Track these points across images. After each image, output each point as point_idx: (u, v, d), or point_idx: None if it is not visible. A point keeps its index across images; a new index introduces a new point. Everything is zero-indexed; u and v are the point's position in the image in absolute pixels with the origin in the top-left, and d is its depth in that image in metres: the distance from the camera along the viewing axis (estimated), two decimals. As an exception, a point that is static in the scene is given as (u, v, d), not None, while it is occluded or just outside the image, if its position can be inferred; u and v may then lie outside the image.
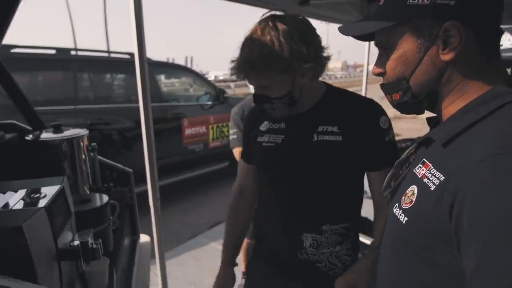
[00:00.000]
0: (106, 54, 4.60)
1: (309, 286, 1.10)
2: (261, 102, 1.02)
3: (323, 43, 1.00)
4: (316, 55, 0.96)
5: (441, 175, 0.56)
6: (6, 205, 0.75)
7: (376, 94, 1.93)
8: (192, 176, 4.50)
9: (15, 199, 0.78)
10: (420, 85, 0.64)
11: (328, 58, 1.00)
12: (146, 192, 1.92)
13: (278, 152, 1.06)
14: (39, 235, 0.70)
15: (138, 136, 3.79)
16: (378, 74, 0.70)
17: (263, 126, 1.11)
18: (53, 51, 3.64)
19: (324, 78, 1.15)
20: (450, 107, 0.63)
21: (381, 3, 0.65)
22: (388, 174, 0.76)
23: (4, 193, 0.82)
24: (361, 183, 1.08)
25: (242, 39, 0.96)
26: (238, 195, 1.28)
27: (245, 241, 2.13)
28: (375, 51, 0.73)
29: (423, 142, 0.67)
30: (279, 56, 0.90)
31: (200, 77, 5.11)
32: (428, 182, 0.58)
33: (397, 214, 0.64)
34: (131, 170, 1.60)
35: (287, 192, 1.08)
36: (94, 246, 0.87)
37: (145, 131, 1.68)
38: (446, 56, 0.59)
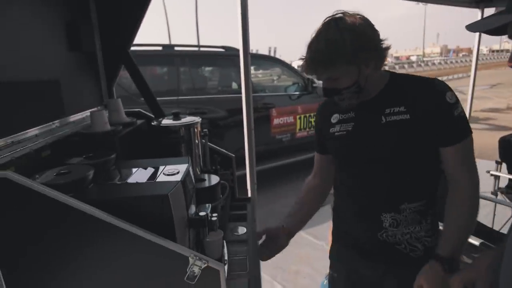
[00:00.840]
0: (202, 49, 4.96)
1: (392, 269, 1.13)
2: (331, 94, 1.09)
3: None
4: (376, 47, 1.03)
5: None
6: (152, 177, 0.90)
7: (484, 82, 1.72)
8: (279, 165, 4.62)
9: (155, 173, 0.94)
10: None
11: (388, 48, 1.06)
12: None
13: (350, 138, 1.13)
14: (178, 203, 0.83)
15: (230, 125, 4.08)
16: None
17: (334, 118, 1.20)
18: (159, 48, 4.07)
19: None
20: None
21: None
22: None
23: (145, 168, 0.99)
24: (437, 159, 1.08)
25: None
26: (312, 179, 1.37)
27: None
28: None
29: None
30: (344, 49, 0.98)
31: (288, 67, 5.17)
32: None
33: None
34: (233, 155, 1.74)
35: (363, 175, 1.13)
36: (213, 218, 0.99)
37: (246, 120, 1.79)
38: None
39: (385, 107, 1.08)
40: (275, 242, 1.24)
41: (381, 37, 1.04)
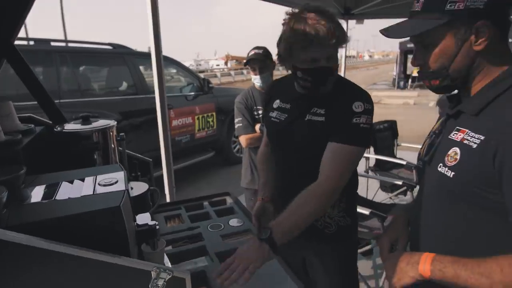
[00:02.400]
0: (86, 45, 4.43)
1: (310, 243, 1.29)
2: (328, 74, 1.13)
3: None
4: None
5: (481, 136, 0.73)
6: (86, 190, 0.79)
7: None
8: (179, 168, 4.50)
9: (89, 185, 0.82)
10: (458, 71, 0.81)
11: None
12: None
13: (280, 127, 1.27)
14: (128, 215, 0.75)
15: (125, 129, 3.77)
16: (418, 66, 0.87)
17: (275, 104, 1.32)
18: (31, 42, 3.49)
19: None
20: (477, 85, 0.81)
21: (417, 9, 0.81)
22: (427, 143, 0.92)
23: (71, 182, 0.86)
24: None
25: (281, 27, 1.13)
26: (265, 148, 1.47)
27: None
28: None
29: (453, 115, 0.85)
30: (335, 33, 1.07)
31: (183, 67, 5.06)
32: (469, 143, 0.76)
33: (443, 171, 0.80)
34: (150, 159, 1.63)
35: (286, 161, 1.29)
36: (157, 227, 0.92)
37: (162, 122, 1.71)
38: (478, 47, 0.77)
39: (312, 106, 1.20)
40: (266, 215, 1.33)
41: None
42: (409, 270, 0.80)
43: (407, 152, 3.69)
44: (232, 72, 28.43)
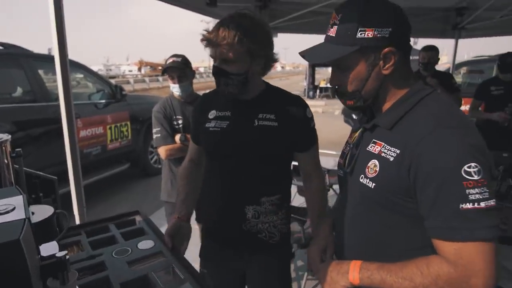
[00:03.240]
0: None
1: (254, 256, 1.29)
2: (221, 75, 1.16)
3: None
4: (272, 49, 1.20)
5: (397, 149, 0.81)
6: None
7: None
8: (89, 183, 4.08)
9: (-24, 215, 0.68)
10: (369, 93, 0.89)
11: (276, 60, 1.24)
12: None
13: (223, 135, 1.23)
14: (30, 248, 0.63)
15: (21, 142, 3.28)
16: (334, 86, 0.94)
17: (211, 114, 1.29)
18: None
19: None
20: (386, 104, 0.91)
21: (332, 35, 0.87)
22: (347, 153, 0.99)
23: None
24: (290, 161, 1.34)
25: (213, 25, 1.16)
26: (189, 163, 1.43)
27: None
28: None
29: (369, 129, 0.93)
30: (251, 37, 1.10)
31: (91, 72, 4.63)
32: (386, 155, 0.83)
33: (364, 182, 0.87)
34: (55, 177, 1.44)
35: (231, 170, 1.25)
36: (67, 257, 0.81)
37: (68, 135, 1.52)
38: (386, 71, 0.85)
39: (259, 112, 1.22)
40: (181, 234, 1.26)
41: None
42: (340, 280, 0.85)
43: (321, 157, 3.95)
44: (147, 79, 27.19)
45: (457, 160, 0.72)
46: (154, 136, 2.10)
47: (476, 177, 0.71)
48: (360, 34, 0.82)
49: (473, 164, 0.71)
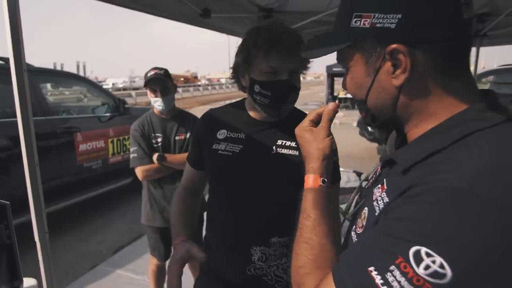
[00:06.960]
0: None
1: None
2: (292, 89, 1.01)
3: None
4: None
5: (388, 200, 0.54)
6: None
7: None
8: (90, 197, 4.01)
9: None
10: (378, 109, 0.61)
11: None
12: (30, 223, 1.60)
13: (235, 161, 1.05)
14: None
15: (15, 157, 3.20)
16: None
17: (220, 134, 1.09)
18: None
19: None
20: (414, 130, 0.58)
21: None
22: (353, 196, 0.75)
23: None
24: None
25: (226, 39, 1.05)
26: (183, 190, 1.22)
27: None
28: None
29: (388, 162, 0.62)
30: (300, 45, 0.96)
31: (95, 86, 4.62)
32: (376, 205, 0.56)
33: (354, 239, 0.62)
34: (7, 202, 1.31)
35: (240, 202, 1.05)
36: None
37: (26, 152, 1.40)
38: (396, 81, 0.55)
39: (278, 137, 1.04)
40: (193, 255, 1.02)
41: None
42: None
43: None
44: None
45: None
46: (131, 156, 1.97)
47: None
48: (356, 22, 0.56)
49: None
